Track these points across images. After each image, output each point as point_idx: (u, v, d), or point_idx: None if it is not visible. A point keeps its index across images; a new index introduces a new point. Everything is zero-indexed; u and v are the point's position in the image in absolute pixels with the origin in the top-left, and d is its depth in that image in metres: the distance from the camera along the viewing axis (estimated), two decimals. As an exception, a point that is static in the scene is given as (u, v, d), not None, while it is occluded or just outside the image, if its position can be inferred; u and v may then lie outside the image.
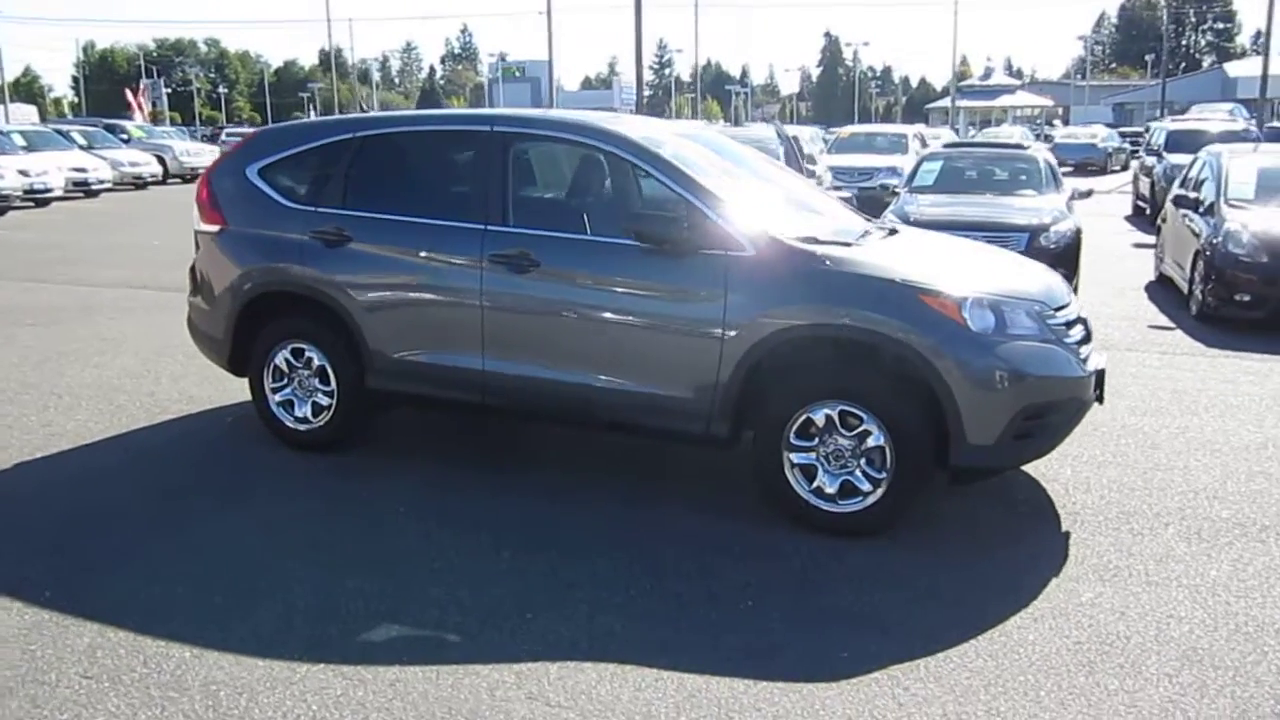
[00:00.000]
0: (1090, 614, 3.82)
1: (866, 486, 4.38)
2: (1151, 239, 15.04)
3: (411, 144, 5.49)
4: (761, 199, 4.91)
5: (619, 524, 4.63)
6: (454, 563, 4.24)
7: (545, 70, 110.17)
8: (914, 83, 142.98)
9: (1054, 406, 4.36)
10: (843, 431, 4.39)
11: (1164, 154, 18.53)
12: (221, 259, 5.65)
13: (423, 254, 5.10)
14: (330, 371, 5.37)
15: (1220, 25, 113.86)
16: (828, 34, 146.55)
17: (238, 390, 6.70)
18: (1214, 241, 9.24)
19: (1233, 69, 72.48)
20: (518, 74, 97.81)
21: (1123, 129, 46.92)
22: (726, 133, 9.52)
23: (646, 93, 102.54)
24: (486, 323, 4.93)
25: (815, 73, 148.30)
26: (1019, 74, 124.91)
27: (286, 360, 5.49)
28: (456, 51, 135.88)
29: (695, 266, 4.54)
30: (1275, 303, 8.69)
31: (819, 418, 4.40)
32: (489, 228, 4.94)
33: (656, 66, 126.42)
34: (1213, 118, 28.77)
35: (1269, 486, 5.16)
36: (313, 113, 76.94)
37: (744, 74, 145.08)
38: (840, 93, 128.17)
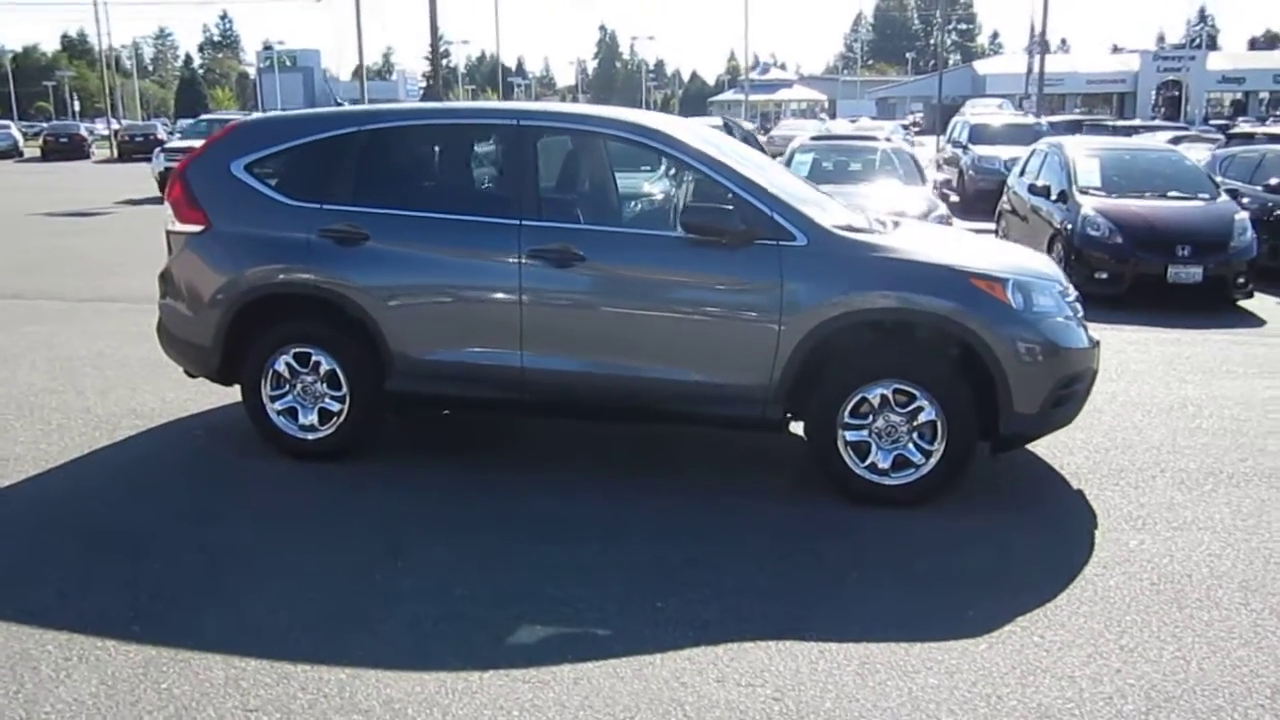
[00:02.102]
0: (1146, 559, 4.28)
1: (919, 459, 4.68)
2: (971, 225, 16.44)
3: (427, 138, 5.34)
4: (792, 190, 5.09)
5: (683, 514, 4.71)
6: (548, 561, 4.21)
7: (316, 60, 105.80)
8: (685, 77, 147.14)
9: (1080, 376, 4.81)
10: (896, 408, 4.67)
11: (969, 146, 20.11)
12: (207, 261, 5.29)
13: (452, 251, 4.98)
14: (341, 376, 5.15)
15: (963, 26, 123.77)
16: (603, 27, 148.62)
17: (186, 401, 6.33)
18: (1070, 226, 10.24)
19: (981, 67, 79.08)
20: (289, 64, 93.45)
21: (904, 122, 50.23)
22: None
23: (426, 84, 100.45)
24: (526, 319, 4.88)
25: (591, 65, 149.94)
26: (783, 68, 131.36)
27: (289, 366, 5.21)
28: (216, 39, 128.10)
29: (750, 257, 4.68)
30: (1130, 279, 9.74)
31: (874, 397, 4.66)
32: (524, 223, 4.88)
33: (431, 58, 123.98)
34: (986, 112, 31.37)
35: (1210, 440, 5.86)
36: (75, 103, 70.39)
37: (520, 66, 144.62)
38: (619, 85, 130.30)
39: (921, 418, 4.65)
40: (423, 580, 4.02)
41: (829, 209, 5.08)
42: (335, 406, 5.21)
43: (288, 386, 5.25)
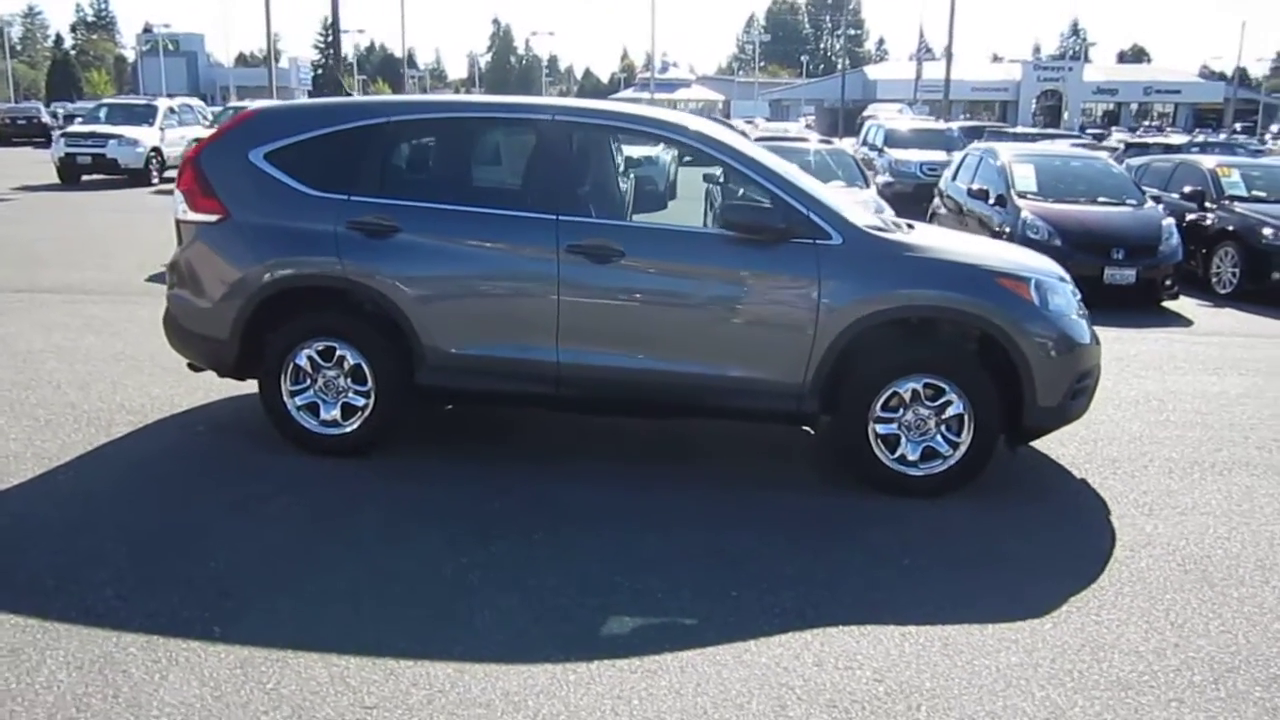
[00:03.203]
0: (1165, 542, 4.57)
1: (947, 450, 4.89)
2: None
3: (457, 131, 5.29)
4: (821, 191, 5.23)
5: (724, 506, 4.81)
6: (609, 552, 4.24)
7: (201, 45, 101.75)
8: (579, 73, 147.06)
9: (1091, 370, 5.09)
10: (925, 402, 4.86)
11: (885, 149, 20.73)
12: (226, 252, 5.15)
13: (487, 245, 4.97)
14: (368, 370, 5.08)
15: (852, 32, 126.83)
16: (496, 21, 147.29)
17: (174, 396, 6.17)
18: (1010, 229, 10.71)
19: (871, 72, 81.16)
20: (171, 48, 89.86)
21: (807, 124, 51.28)
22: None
23: (315, 73, 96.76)
24: (563, 314, 4.90)
25: (484, 59, 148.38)
26: (675, 66, 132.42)
27: (311, 360, 5.12)
28: (90, 19, 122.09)
29: (788, 254, 4.81)
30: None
31: (905, 391, 4.85)
32: (562, 218, 4.90)
33: (321, 46, 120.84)
34: (896, 116, 32.32)
35: (1183, 432, 6.26)
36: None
37: (411, 57, 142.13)
38: (513, 80, 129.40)
39: (949, 411, 4.86)
40: (492, 573, 4.02)
41: (853, 210, 5.24)
42: (360, 401, 5.14)
43: (309, 381, 5.15)
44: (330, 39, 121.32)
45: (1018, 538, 4.57)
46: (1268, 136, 52.94)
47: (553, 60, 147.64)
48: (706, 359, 4.91)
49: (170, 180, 21.60)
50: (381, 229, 4.97)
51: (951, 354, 4.91)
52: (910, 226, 5.57)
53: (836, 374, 4.86)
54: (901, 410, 4.89)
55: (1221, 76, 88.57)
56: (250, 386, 5.80)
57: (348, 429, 5.16)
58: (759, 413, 5.02)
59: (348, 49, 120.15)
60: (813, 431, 5.80)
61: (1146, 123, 70.80)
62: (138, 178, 20.79)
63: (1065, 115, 67.49)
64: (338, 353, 5.10)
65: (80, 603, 3.67)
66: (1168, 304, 10.62)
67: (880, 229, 5.03)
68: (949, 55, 35.96)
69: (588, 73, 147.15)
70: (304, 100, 6.15)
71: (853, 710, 3.21)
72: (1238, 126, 60.75)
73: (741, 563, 4.20)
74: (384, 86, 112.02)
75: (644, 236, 4.99)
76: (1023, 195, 11.09)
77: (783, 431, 5.80)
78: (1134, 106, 74.91)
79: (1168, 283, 10.37)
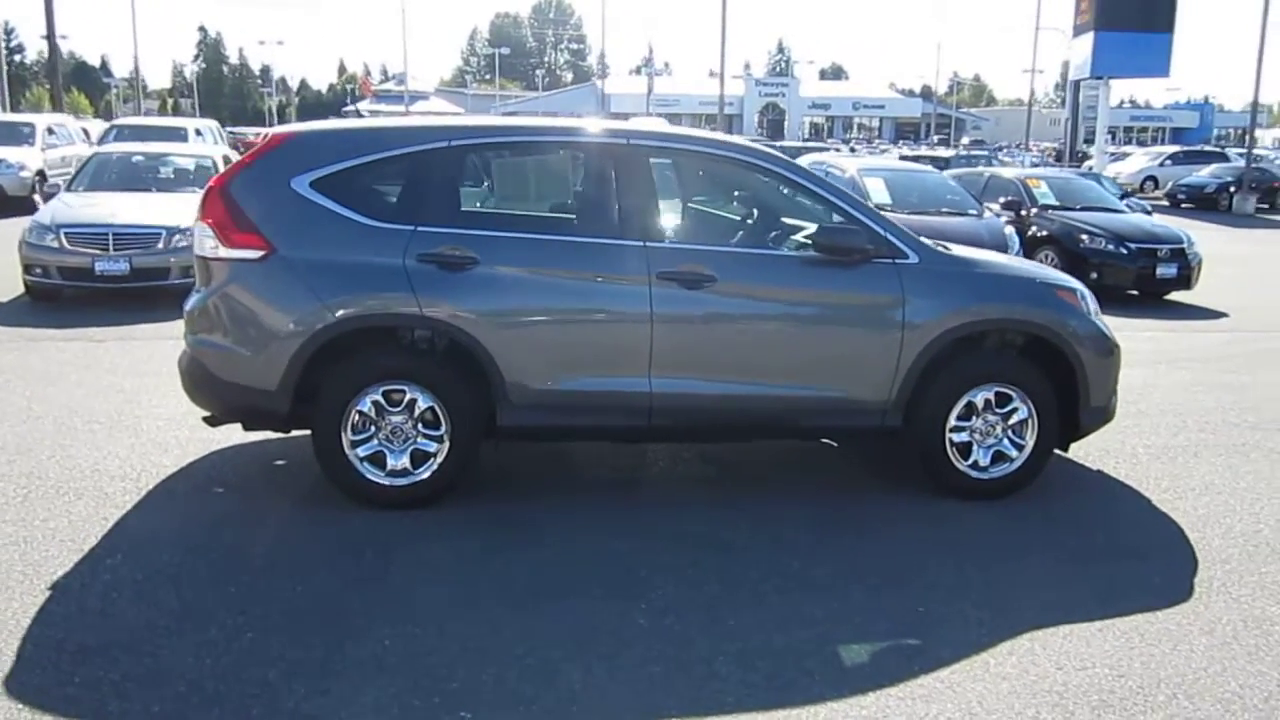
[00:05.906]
0: (1214, 520, 5.09)
1: (1014, 453, 5.19)
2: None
3: (526, 156, 5.00)
4: (886, 214, 5.37)
5: (821, 522, 4.89)
6: (775, 579, 4.21)
7: None
8: (295, 84, 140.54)
9: (1119, 372, 5.57)
10: (996, 409, 5.15)
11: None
12: (273, 292, 4.61)
13: (574, 274, 4.75)
14: (442, 413, 4.72)
15: (575, 47, 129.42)
16: (203, 28, 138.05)
17: (148, 454, 5.55)
18: (873, 238, 11.40)
19: (606, 86, 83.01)
20: None
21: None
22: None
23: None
24: (656, 342, 4.77)
25: (190, 68, 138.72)
26: (399, 80, 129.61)
27: (376, 405, 4.68)
28: None
29: (872, 275, 4.94)
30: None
31: (979, 400, 5.11)
32: (649, 244, 4.79)
33: (5, 53, 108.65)
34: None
35: (1135, 421, 6.82)
36: None
37: (105, 64, 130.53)
38: (228, 90, 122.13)
39: (1015, 417, 5.16)
40: (685, 618, 3.86)
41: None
42: (431, 447, 4.75)
43: (373, 429, 4.72)
44: (11, 45, 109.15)
45: (1091, 530, 4.94)
46: (960, 146, 59.23)
47: (265, 70, 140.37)
48: (798, 381, 4.95)
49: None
50: (459, 261, 4.64)
51: (1018, 362, 5.22)
52: (946, 247, 5.85)
53: (919, 388, 5.04)
54: (973, 418, 5.14)
55: (910, 93, 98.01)
56: (225, 437, 5.41)
57: (419, 477, 4.76)
58: (847, 430, 5.13)
59: (32, 55, 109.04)
60: (836, 444, 5.99)
61: (855, 135, 77.18)
62: None
63: (787, 127, 72.19)
64: (407, 396, 4.70)
65: (288, 708, 3.19)
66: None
67: (944, 246, 5.27)
68: (723, 72, 37.56)
69: (304, 84, 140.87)
70: (348, 122, 5.60)
71: (1129, 707, 3.37)
72: (935, 138, 67.44)
73: (899, 580, 4.28)
74: (79, 96, 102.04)
75: (733, 261, 4.96)
76: (880, 208, 11.78)
77: (814, 444, 5.94)
78: (843, 120, 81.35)
79: (1014, 285, 11.38)
